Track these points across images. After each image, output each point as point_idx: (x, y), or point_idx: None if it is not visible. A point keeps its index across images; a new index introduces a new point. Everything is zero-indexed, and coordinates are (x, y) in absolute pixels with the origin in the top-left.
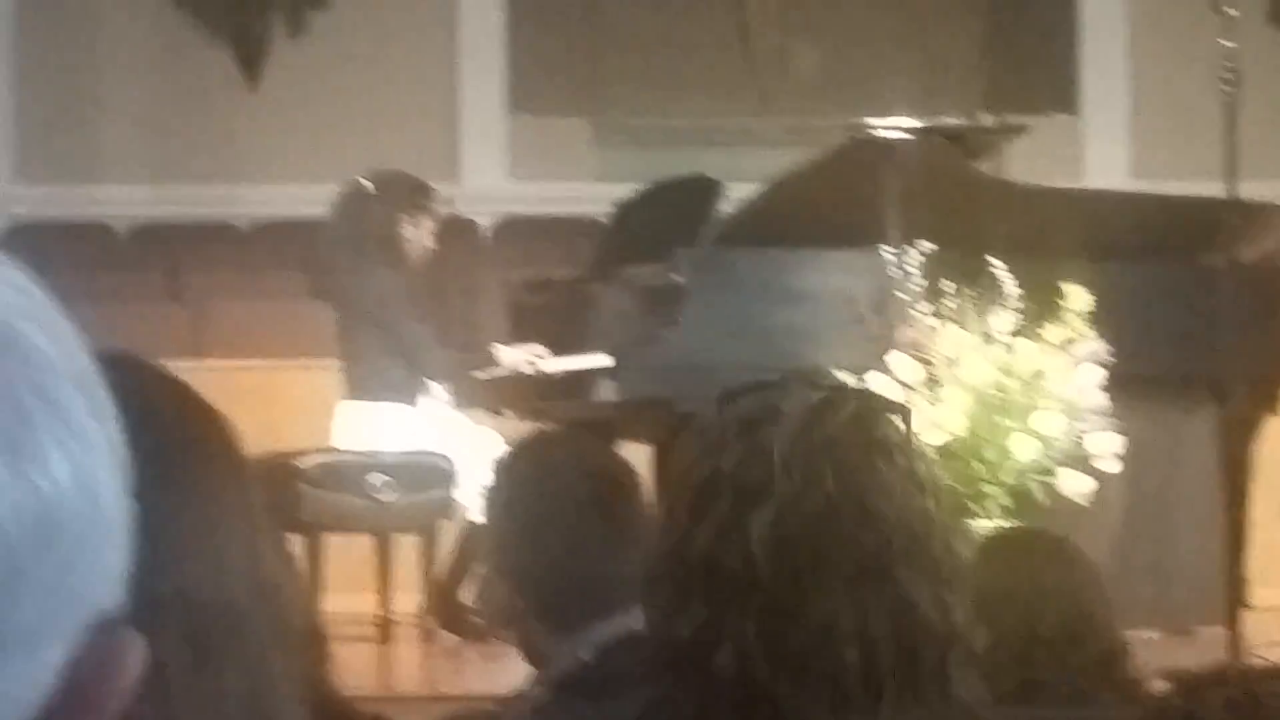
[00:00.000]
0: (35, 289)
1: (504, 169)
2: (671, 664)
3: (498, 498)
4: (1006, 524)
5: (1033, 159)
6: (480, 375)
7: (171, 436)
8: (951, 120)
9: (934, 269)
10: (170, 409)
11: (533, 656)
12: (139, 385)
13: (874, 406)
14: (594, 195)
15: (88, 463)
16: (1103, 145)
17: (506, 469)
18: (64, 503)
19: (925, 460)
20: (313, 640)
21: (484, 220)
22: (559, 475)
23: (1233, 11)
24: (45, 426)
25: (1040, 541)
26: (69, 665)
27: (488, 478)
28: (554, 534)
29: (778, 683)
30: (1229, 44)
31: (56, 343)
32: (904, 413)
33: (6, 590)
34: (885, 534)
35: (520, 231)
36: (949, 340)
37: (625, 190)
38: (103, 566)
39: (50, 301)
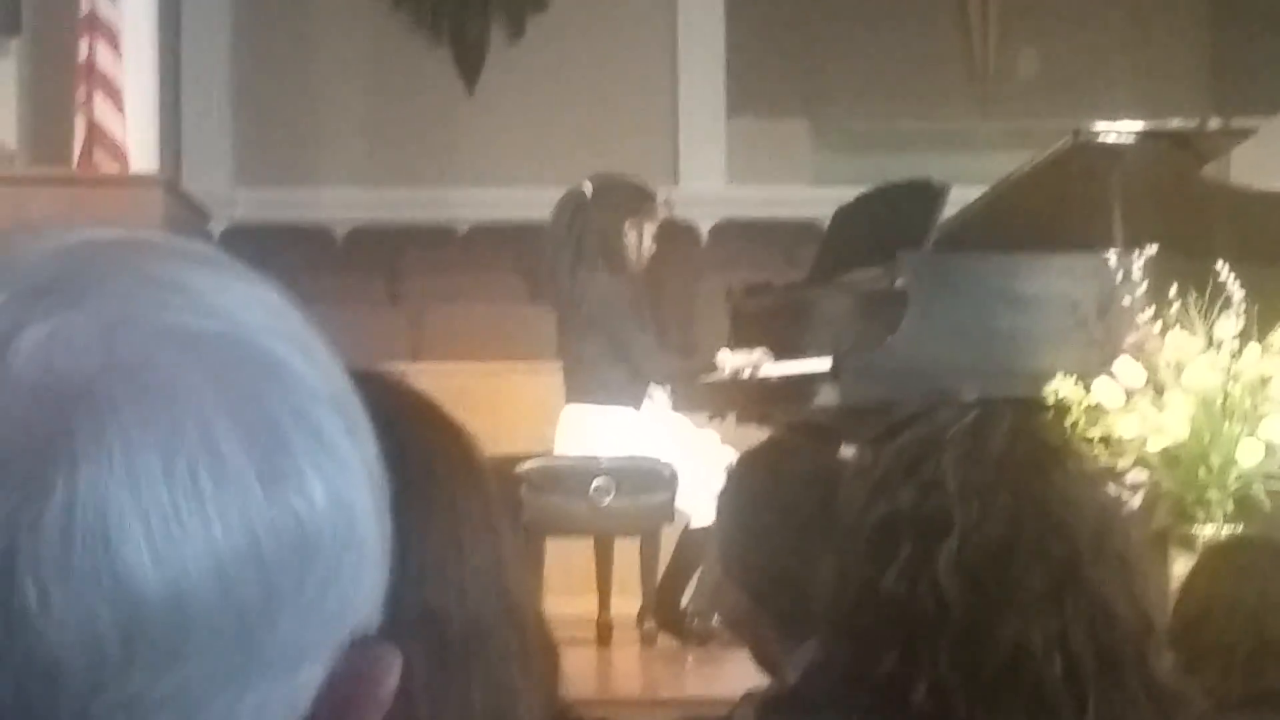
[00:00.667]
0: (290, 310)
1: (722, 172)
2: (869, 701)
3: (731, 503)
4: (1230, 528)
5: (1259, 160)
6: (703, 379)
7: (421, 454)
8: (1177, 122)
9: (1159, 273)
10: (419, 426)
11: (766, 662)
12: (389, 403)
13: (1029, 414)
14: (812, 198)
15: (343, 484)
16: None
17: (740, 475)
18: (320, 525)
19: (1088, 456)
20: (548, 651)
21: (703, 223)
22: (792, 481)
23: None
24: (302, 449)
25: (1268, 550)
26: (328, 681)
27: (715, 482)
28: (785, 540)
29: (976, 712)
30: None
31: (313, 364)
32: (1059, 414)
33: (265, 611)
34: (1071, 539)
35: (738, 234)
36: (1174, 345)
37: (843, 193)
38: (359, 586)
39: (306, 322)
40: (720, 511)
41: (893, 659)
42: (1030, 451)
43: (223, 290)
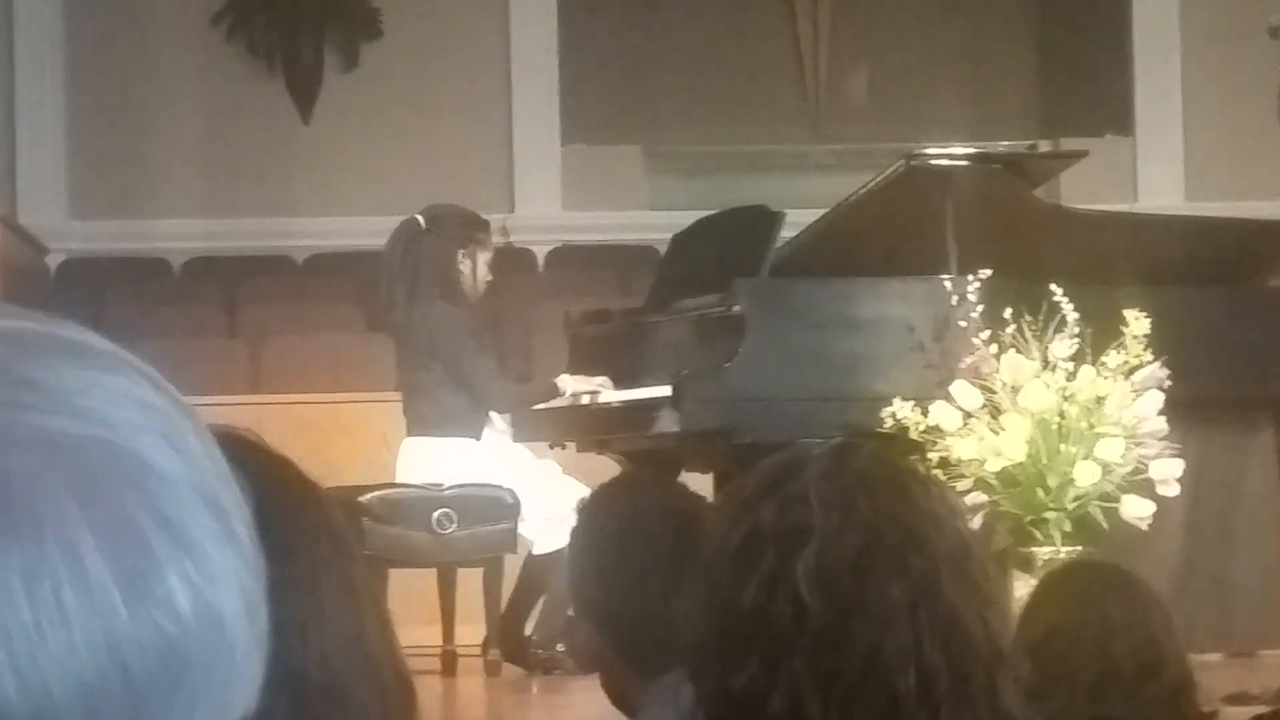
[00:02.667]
0: (160, 397)
1: (558, 198)
2: (728, 713)
3: (582, 540)
4: (1068, 549)
5: (1087, 180)
6: (543, 405)
7: (282, 518)
8: (1008, 146)
9: (993, 296)
10: (278, 490)
11: (620, 699)
12: (249, 467)
13: (893, 441)
14: (647, 223)
15: (212, 592)
16: (1157, 166)
17: (591, 512)
18: (188, 638)
19: (949, 486)
20: (406, 697)
21: (539, 250)
22: (642, 518)
23: None
24: (168, 559)
25: (1108, 574)
26: None
27: (557, 510)
28: (638, 576)
29: (830, 717)
30: None
31: (182, 457)
32: (919, 447)
33: None
34: (931, 555)
35: (574, 260)
36: (1009, 367)
37: (678, 217)
38: (231, 691)
39: (177, 406)
40: (572, 549)
41: (752, 669)
42: (892, 470)
43: (89, 387)
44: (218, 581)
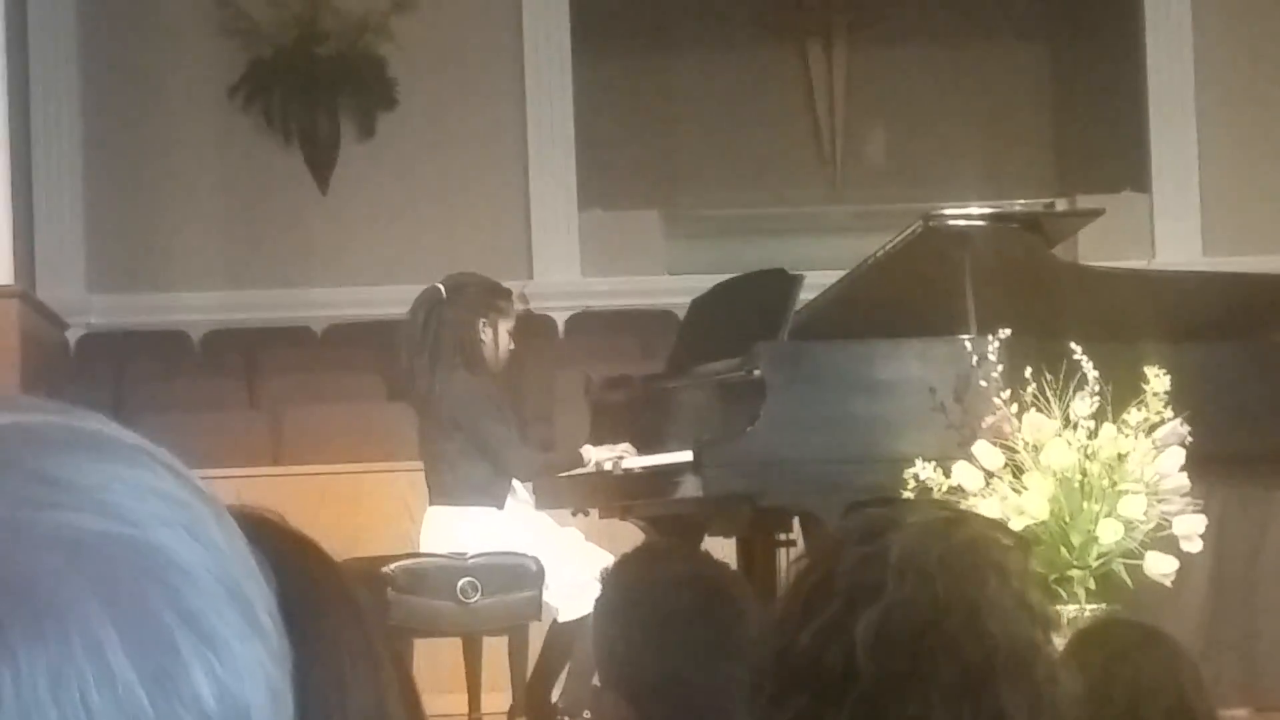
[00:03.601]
0: (181, 488)
1: (576, 264)
2: None
3: (607, 610)
4: (1092, 607)
5: (1105, 236)
6: (567, 474)
7: (303, 597)
8: (1025, 205)
9: (1013, 355)
10: (299, 569)
11: None
12: (268, 548)
13: (997, 533)
14: (666, 286)
15: (237, 686)
16: (1174, 222)
17: (615, 581)
18: None
19: (1040, 595)
20: None
21: (558, 315)
22: (667, 587)
23: None
24: (191, 652)
25: (1138, 632)
26: None
27: (581, 577)
28: (664, 646)
29: None
30: None
31: (204, 546)
32: (1025, 546)
33: None
34: (989, 651)
35: (594, 325)
36: (1031, 426)
37: (696, 280)
38: None
39: (199, 495)
40: (597, 619)
41: (798, 714)
42: (981, 560)
43: (110, 481)
44: (243, 676)
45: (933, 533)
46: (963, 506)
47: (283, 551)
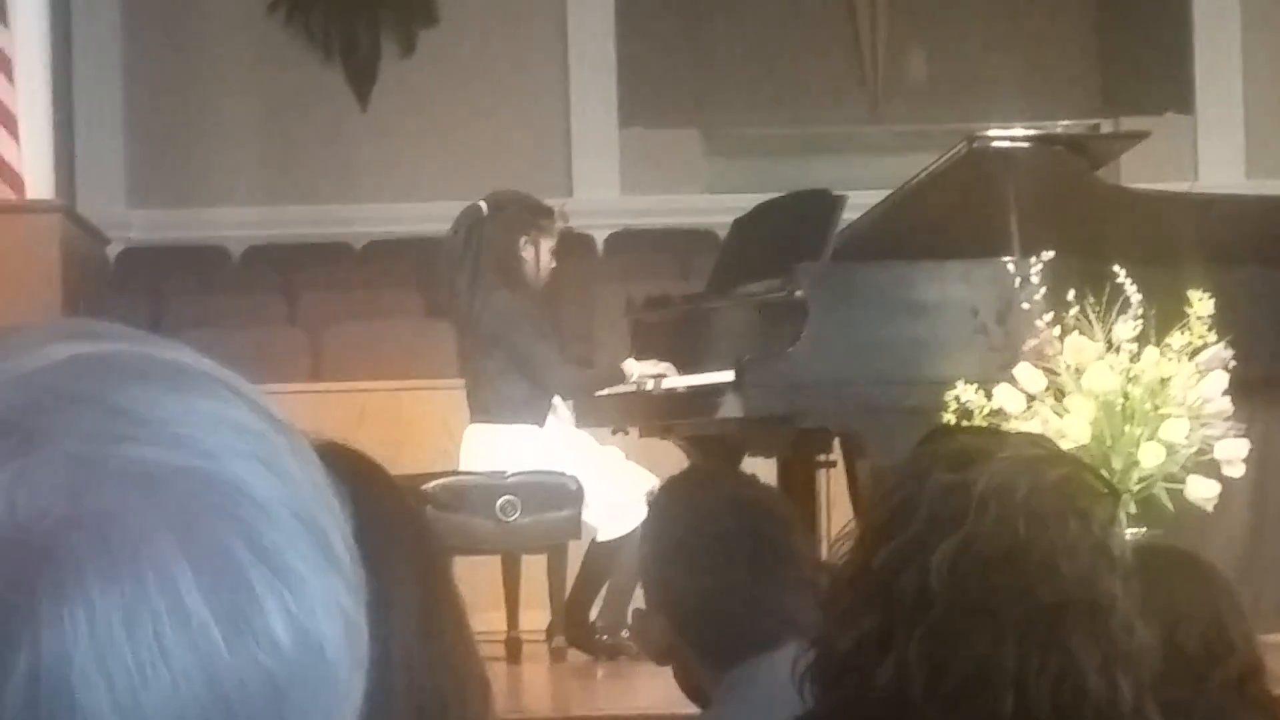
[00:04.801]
0: (256, 418)
1: (616, 182)
2: (835, 671)
3: (653, 534)
4: (1133, 531)
5: (1147, 158)
6: (604, 392)
7: (378, 533)
8: (1070, 126)
9: (1056, 278)
10: (375, 504)
11: (692, 690)
12: (345, 481)
13: (1086, 478)
14: (706, 205)
15: (310, 620)
16: (1217, 144)
17: (661, 505)
18: (289, 670)
19: (1123, 545)
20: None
21: (598, 234)
22: (714, 509)
23: None
24: (265, 588)
25: (1174, 557)
26: None
27: (620, 496)
28: (711, 570)
29: (930, 709)
30: None
31: (279, 478)
32: (1114, 494)
33: None
34: (1063, 595)
35: (634, 244)
36: (1073, 349)
37: (736, 200)
38: (335, 717)
39: (274, 425)
40: (644, 544)
41: (864, 631)
42: (1066, 504)
43: (185, 413)
44: (317, 610)
45: (1022, 469)
46: (1058, 446)
47: (359, 484)
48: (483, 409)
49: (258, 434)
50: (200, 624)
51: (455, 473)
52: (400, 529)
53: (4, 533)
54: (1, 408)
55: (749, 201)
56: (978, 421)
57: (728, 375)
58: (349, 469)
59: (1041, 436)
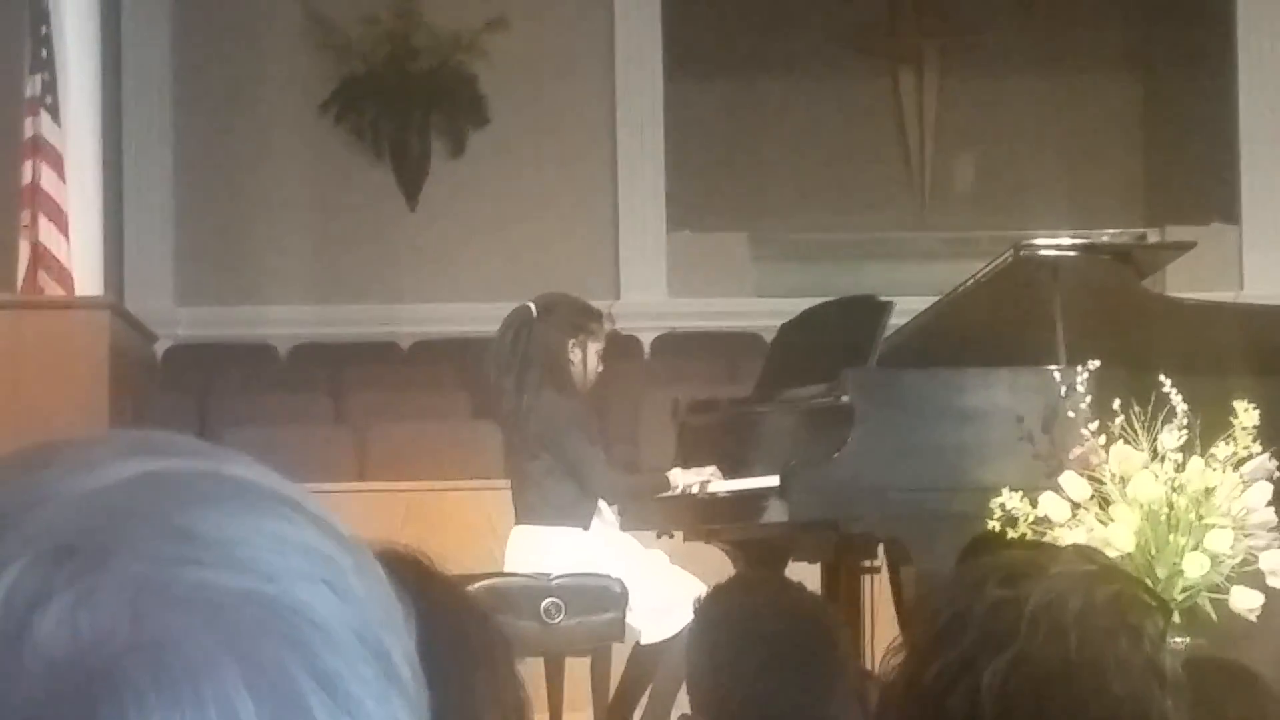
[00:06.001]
0: (322, 538)
1: (664, 285)
2: None
3: (699, 638)
4: (1177, 640)
5: (1193, 268)
6: (655, 496)
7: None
8: (1117, 235)
9: (1102, 386)
10: (442, 614)
11: None
12: (410, 590)
13: (1137, 594)
14: (753, 309)
15: None
16: (1263, 254)
17: (707, 610)
18: None
19: (1174, 660)
20: None
21: (645, 336)
22: (761, 616)
23: None
24: (323, 711)
25: (1227, 672)
26: None
27: (664, 600)
28: (755, 675)
29: None
30: None
31: (343, 599)
32: (1165, 610)
33: None
34: (1115, 713)
35: (681, 347)
36: (1118, 458)
37: (783, 304)
38: None
39: (340, 543)
40: (690, 648)
41: None
42: (1117, 621)
43: (251, 535)
44: None
45: (1073, 586)
46: (1109, 558)
47: (427, 594)
48: (528, 510)
49: (324, 556)
50: None
51: (500, 574)
52: (468, 631)
53: (67, 655)
54: (69, 529)
55: (796, 306)
56: (1022, 529)
57: (773, 480)
58: (412, 575)
59: (1092, 549)
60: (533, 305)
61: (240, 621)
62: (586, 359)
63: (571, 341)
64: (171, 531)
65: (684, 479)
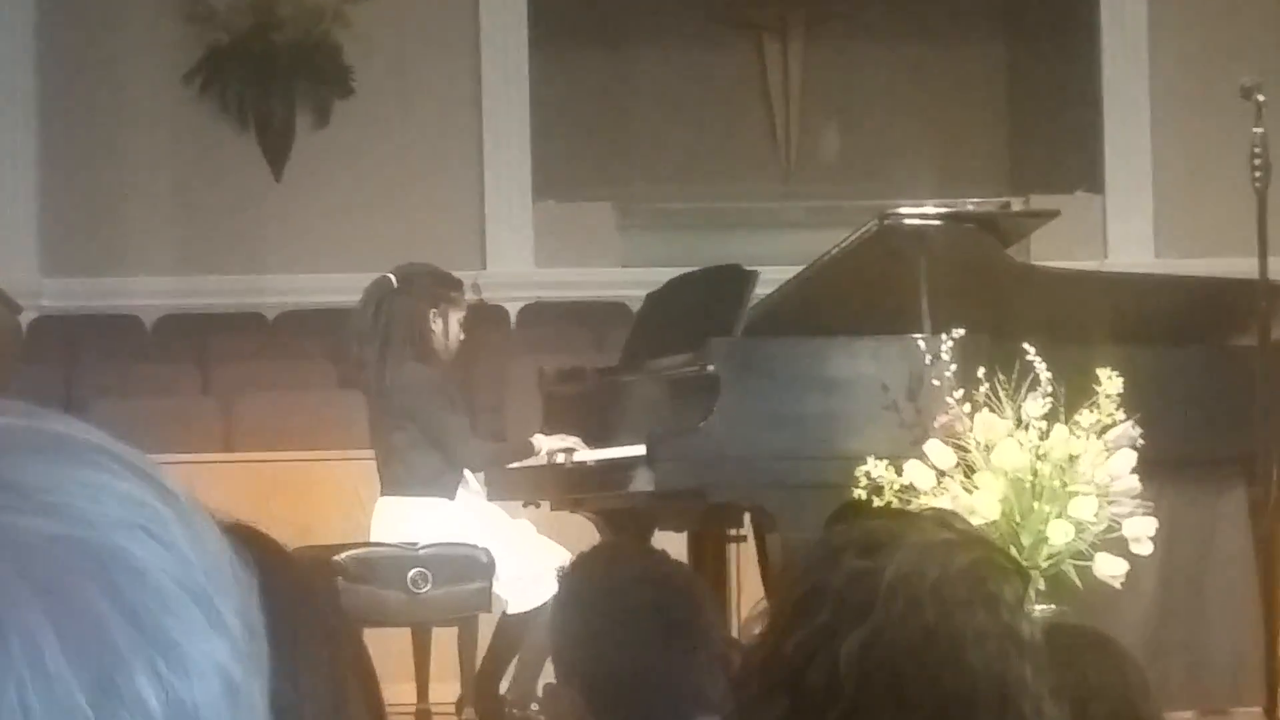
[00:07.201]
0: (142, 488)
1: (530, 255)
2: None
3: (564, 608)
4: (1041, 608)
5: (1057, 236)
6: (515, 466)
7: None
8: (982, 204)
9: (967, 355)
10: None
11: None
12: (250, 557)
13: (995, 560)
14: (619, 279)
15: (184, 682)
16: (1127, 224)
17: (572, 579)
18: None
19: (1033, 627)
20: None
21: (511, 306)
22: (626, 584)
23: (1261, 97)
24: (134, 652)
25: (1084, 636)
26: None
27: (531, 569)
28: (620, 643)
29: None
30: (1258, 129)
31: (162, 546)
32: (1024, 575)
33: None
34: (971, 685)
35: (547, 316)
36: (983, 426)
37: (650, 273)
38: None
39: (161, 494)
40: (555, 617)
41: (777, 716)
42: (974, 590)
43: (64, 483)
44: (191, 674)
45: (931, 556)
46: (969, 524)
47: (263, 556)
48: (394, 481)
49: (140, 503)
50: (65, 690)
51: (366, 544)
52: (306, 603)
53: None
54: None
55: (662, 275)
56: (888, 497)
57: (639, 449)
58: (254, 546)
59: (951, 514)
60: (393, 276)
61: (51, 564)
62: (448, 328)
63: (433, 311)
64: None
65: (547, 444)
